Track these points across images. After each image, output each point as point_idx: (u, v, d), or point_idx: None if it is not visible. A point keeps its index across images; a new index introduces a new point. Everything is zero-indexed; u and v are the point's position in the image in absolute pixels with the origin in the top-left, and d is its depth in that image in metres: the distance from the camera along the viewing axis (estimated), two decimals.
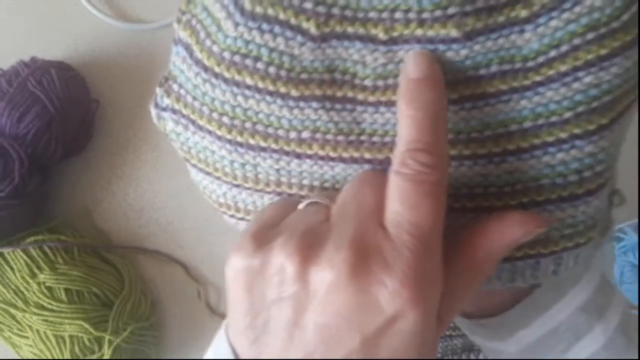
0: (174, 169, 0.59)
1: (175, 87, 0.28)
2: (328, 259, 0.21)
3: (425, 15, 0.23)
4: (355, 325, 0.21)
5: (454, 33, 0.23)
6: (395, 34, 0.23)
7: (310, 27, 0.23)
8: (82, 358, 0.52)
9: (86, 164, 0.59)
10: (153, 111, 0.29)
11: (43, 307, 0.51)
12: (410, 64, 0.23)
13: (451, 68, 0.24)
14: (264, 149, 0.26)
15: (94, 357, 0.52)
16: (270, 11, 0.23)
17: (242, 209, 0.29)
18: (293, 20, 0.23)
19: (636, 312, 0.56)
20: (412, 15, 0.23)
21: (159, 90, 0.28)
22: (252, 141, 0.26)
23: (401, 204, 0.22)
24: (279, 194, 0.27)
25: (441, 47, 0.23)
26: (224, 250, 0.60)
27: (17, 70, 0.54)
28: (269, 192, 0.27)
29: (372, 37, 0.24)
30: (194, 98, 0.26)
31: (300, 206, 0.25)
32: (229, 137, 0.26)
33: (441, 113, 0.23)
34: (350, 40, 0.24)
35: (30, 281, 0.52)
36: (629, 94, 0.25)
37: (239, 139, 0.26)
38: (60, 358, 0.52)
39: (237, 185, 0.28)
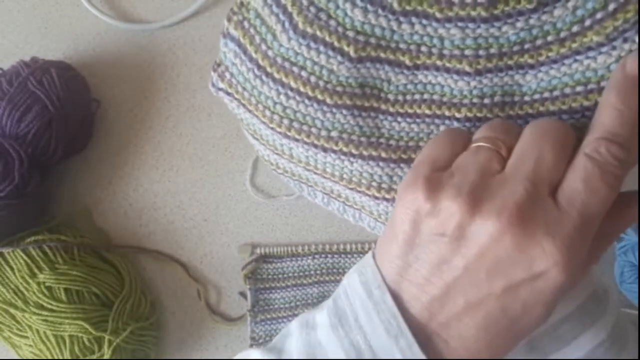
0: (174, 169, 0.59)
1: (227, 75, 0.34)
2: (495, 212, 0.23)
3: (445, 52, 0.29)
4: (503, 274, 0.23)
5: (467, 68, 0.28)
6: (418, 61, 0.29)
7: (350, 50, 0.29)
8: (82, 358, 0.52)
9: (86, 163, 0.59)
10: (211, 88, 0.35)
11: (43, 307, 0.51)
12: (631, 60, 0.24)
13: (459, 93, 0.29)
14: (297, 140, 0.31)
15: (94, 357, 0.52)
16: (318, 33, 0.29)
17: (282, 170, 0.36)
18: (336, 43, 0.29)
19: (636, 312, 0.55)
20: (434, 50, 0.29)
21: (213, 74, 0.35)
22: (288, 133, 0.31)
23: (582, 184, 0.23)
24: (308, 170, 0.33)
25: (455, 76, 0.29)
26: (224, 250, 0.60)
27: (18, 70, 0.54)
28: (301, 166, 0.34)
29: (399, 63, 0.29)
30: (244, 88, 0.32)
31: (473, 146, 0.26)
32: (270, 125, 0.31)
33: None
34: (381, 63, 0.29)
35: (30, 281, 0.52)
36: None
37: (277, 129, 0.31)
38: (60, 358, 0.51)
39: (279, 154, 0.34)
